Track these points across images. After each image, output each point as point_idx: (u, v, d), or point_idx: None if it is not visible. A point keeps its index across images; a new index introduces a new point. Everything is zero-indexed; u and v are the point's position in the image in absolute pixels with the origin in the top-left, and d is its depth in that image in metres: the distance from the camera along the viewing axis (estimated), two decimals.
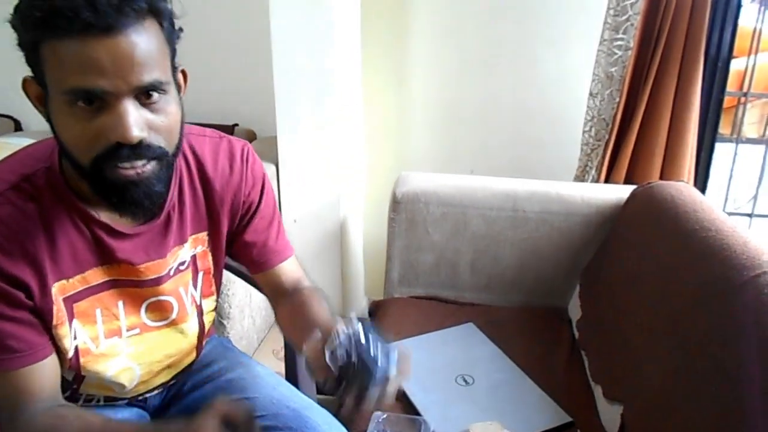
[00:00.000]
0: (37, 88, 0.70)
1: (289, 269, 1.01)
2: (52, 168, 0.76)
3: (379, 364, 0.69)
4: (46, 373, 0.79)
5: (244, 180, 0.91)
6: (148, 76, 0.67)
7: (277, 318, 1.02)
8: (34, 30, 0.65)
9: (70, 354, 0.81)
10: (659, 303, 1.14)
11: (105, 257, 0.81)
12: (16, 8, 0.67)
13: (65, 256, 0.77)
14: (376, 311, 1.66)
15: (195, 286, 0.94)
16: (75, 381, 0.88)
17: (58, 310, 0.78)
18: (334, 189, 1.85)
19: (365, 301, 2.08)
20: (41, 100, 0.71)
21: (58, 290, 0.78)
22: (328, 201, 1.86)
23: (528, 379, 1.30)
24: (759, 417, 0.77)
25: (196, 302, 0.94)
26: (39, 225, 0.75)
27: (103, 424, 0.78)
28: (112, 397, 0.94)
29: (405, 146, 2.10)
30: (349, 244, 1.92)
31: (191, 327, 0.94)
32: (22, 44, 0.68)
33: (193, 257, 0.92)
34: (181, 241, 0.88)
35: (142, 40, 0.66)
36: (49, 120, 0.71)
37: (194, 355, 1.01)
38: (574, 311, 1.51)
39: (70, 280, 0.79)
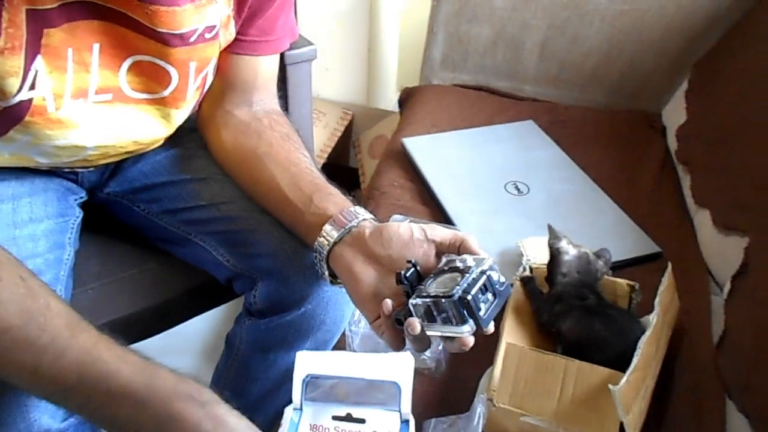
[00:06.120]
0: None
1: (268, 69, 0.74)
2: None
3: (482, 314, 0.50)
4: None
5: None
6: None
7: (220, 147, 0.73)
8: None
9: (7, 104, 0.56)
10: None
11: None
12: None
13: None
14: (406, 101, 1.31)
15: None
16: None
17: (12, 24, 0.52)
18: None
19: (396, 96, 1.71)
20: None
21: None
22: None
23: (602, 193, 0.98)
24: None
25: (203, 89, 0.70)
26: None
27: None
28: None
29: None
30: (379, 12, 1.49)
31: (181, 116, 0.70)
32: None
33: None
34: None
35: None
36: None
37: (158, 145, 0.75)
38: (674, 116, 1.12)
39: None
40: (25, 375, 0.47)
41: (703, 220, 0.89)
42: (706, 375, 0.70)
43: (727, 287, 0.76)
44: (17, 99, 0.55)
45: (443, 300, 0.49)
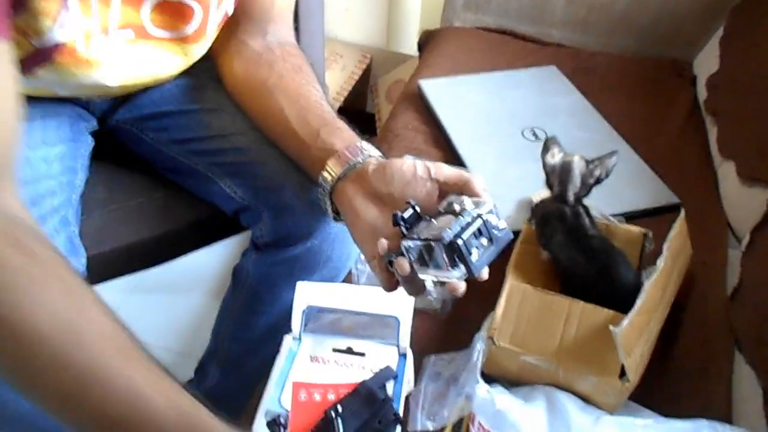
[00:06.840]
0: None
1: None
2: None
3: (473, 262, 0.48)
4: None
5: None
6: None
7: (231, 77, 0.70)
8: None
9: (42, 45, 0.56)
10: None
11: None
12: None
13: None
14: (426, 44, 1.26)
15: None
16: None
17: None
18: None
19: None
20: None
21: None
22: None
23: (623, 142, 0.94)
24: None
25: (222, 23, 0.69)
26: None
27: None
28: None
29: None
30: None
31: (201, 49, 0.69)
32: None
33: None
34: None
35: None
36: None
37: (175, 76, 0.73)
38: (705, 65, 1.07)
39: None
40: (54, 399, 0.39)
41: (727, 172, 0.85)
42: (717, 327, 0.68)
43: (746, 239, 0.73)
44: (49, 39, 0.55)
45: (433, 243, 0.47)
